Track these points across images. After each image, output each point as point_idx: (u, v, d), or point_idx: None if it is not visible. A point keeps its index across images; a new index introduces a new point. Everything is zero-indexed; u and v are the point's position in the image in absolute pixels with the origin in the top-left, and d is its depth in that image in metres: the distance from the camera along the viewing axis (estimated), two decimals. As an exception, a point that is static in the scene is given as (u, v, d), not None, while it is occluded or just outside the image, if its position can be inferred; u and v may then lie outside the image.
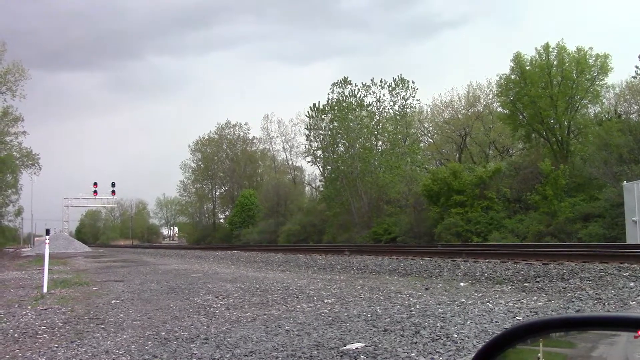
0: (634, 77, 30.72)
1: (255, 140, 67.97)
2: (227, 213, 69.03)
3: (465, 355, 4.38)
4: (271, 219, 51.01)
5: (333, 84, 41.80)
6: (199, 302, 8.37)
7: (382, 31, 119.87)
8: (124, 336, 5.76)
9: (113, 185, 60.71)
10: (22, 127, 42.60)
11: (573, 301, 6.96)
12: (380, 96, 41.17)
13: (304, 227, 44.19)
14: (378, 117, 41.43)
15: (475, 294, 8.16)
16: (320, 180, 52.71)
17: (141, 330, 6.06)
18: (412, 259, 14.78)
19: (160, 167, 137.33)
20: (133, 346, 5.22)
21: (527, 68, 29.76)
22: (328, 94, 42.49)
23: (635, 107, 32.48)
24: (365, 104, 41.35)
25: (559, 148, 29.71)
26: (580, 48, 28.94)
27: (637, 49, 50.00)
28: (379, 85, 41.14)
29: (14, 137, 42.72)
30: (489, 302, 7.19)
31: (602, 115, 31.35)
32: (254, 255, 23.96)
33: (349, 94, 41.23)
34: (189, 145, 70.87)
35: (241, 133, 68.70)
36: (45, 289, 10.52)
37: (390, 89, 40.86)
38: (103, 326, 6.48)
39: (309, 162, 50.03)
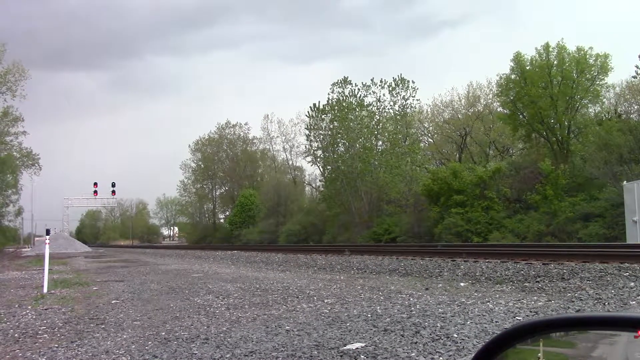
0: (634, 77, 30.71)
1: (255, 140, 68.02)
2: (227, 213, 69.05)
3: (465, 355, 4.38)
4: (271, 219, 51.02)
5: (333, 84, 41.86)
6: (199, 302, 8.37)
7: (382, 31, 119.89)
8: (124, 336, 5.76)
9: (113, 185, 60.70)
10: (22, 127, 42.69)
11: (573, 301, 6.96)
12: (380, 96, 41.23)
13: (304, 227, 44.20)
14: (378, 117, 41.44)
15: (476, 293, 8.16)
16: (320, 180, 52.75)
17: (141, 330, 6.06)
18: (412, 259, 14.78)
19: (160, 167, 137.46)
20: (133, 346, 5.22)
21: (527, 68, 29.75)
22: (328, 94, 42.55)
23: (636, 107, 32.47)
24: (365, 103, 41.37)
25: (559, 148, 29.70)
26: (580, 48, 28.95)
27: (637, 48, 49.98)
28: (379, 85, 41.18)
29: (14, 137, 42.80)
30: (489, 302, 7.19)
31: (602, 115, 31.33)
32: (254, 255, 23.96)
33: (349, 93, 41.27)
34: (189, 145, 70.93)
35: (241, 133, 68.76)
36: (45, 289, 10.53)
37: (390, 88, 40.88)
38: (103, 326, 6.48)
39: (309, 162, 50.10)
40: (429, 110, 45.13)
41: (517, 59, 30.10)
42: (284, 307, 7.48)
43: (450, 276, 10.94)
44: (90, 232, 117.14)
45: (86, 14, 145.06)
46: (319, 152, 45.11)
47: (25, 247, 54.64)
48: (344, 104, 40.91)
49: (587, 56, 28.71)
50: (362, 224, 37.89)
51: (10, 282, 13.98)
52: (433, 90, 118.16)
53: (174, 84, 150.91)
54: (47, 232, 13.10)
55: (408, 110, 41.18)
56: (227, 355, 4.66)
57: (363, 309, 6.91)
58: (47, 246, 11.91)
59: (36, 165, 45.25)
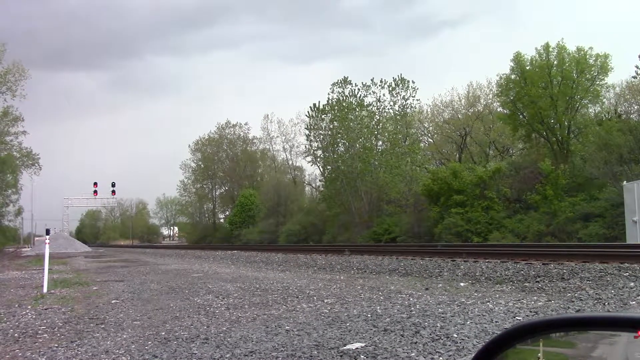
0: (634, 77, 30.71)
1: (255, 140, 68.03)
2: (227, 213, 69.05)
3: (465, 355, 4.38)
4: (271, 219, 51.02)
5: (333, 84, 41.86)
6: (199, 302, 8.37)
7: (382, 31, 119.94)
8: (124, 336, 5.76)
9: (113, 185, 60.73)
10: (22, 127, 42.71)
11: (573, 301, 6.96)
12: (380, 96, 41.23)
13: (304, 227, 44.19)
14: (378, 117, 41.44)
15: (475, 293, 8.16)
16: (320, 180, 52.74)
17: (141, 330, 6.06)
18: (412, 259, 14.78)
19: (160, 167, 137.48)
20: (133, 346, 5.22)
21: (527, 68, 29.75)
22: (328, 94, 42.56)
23: (636, 107, 32.47)
24: (365, 103, 41.37)
25: (559, 148, 29.70)
26: (580, 48, 28.94)
27: (637, 48, 49.99)
28: (379, 85, 41.17)
29: (14, 137, 42.82)
30: (489, 302, 7.19)
31: (602, 115, 31.33)
32: (254, 255, 23.96)
33: (349, 93, 41.26)
34: (189, 145, 70.94)
35: (241, 133, 68.77)
36: (45, 289, 10.52)
37: (390, 88, 40.88)
38: (103, 326, 6.48)
39: (309, 162, 50.10)
40: (429, 110, 45.18)
41: (517, 59, 30.10)
42: (284, 307, 7.48)
43: (450, 276, 10.93)
44: (90, 232, 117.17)
45: (86, 14, 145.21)
46: (319, 152, 45.14)
47: (25, 247, 54.65)
48: (344, 104, 40.91)
49: (587, 56, 28.71)
50: (362, 224, 37.89)
51: (10, 281, 13.98)
52: (433, 90, 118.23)
53: (174, 84, 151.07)
54: (47, 232, 13.11)
55: (408, 110, 41.19)
56: (227, 355, 4.66)
57: (363, 309, 6.91)
58: (47, 246, 11.91)
59: (36, 165, 45.29)
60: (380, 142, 41.57)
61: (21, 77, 39.51)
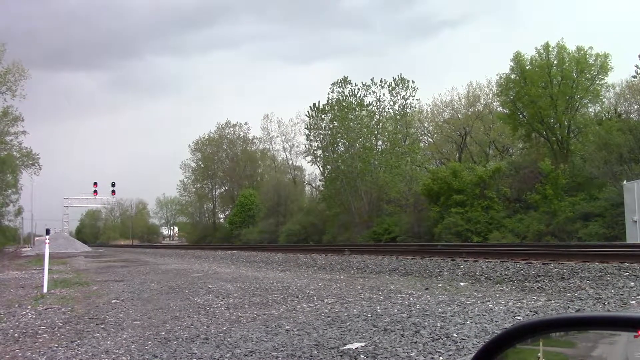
0: (634, 77, 30.72)
1: (255, 140, 68.05)
2: (227, 213, 69.05)
3: (465, 354, 4.38)
4: (271, 219, 51.02)
5: (333, 84, 41.85)
6: (199, 301, 8.36)
7: (382, 31, 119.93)
8: (124, 336, 5.76)
9: (113, 185, 60.69)
10: (22, 126, 42.74)
11: (573, 301, 6.96)
12: (380, 96, 41.23)
13: (304, 226, 44.19)
14: (378, 117, 41.44)
15: (475, 293, 8.16)
16: (320, 180, 52.75)
17: (141, 330, 6.06)
18: (412, 259, 14.78)
19: (160, 167, 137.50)
20: (133, 346, 5.22)
21: (527, 67, 29.75)
22: (328, 94, 42.56)
23: (635, 107, 32.48)
24: (365, 103, 41.37)
25: (559, 147, 29.70)
26: (580, 47, 28.95)
27: (637, 48, 49.98)
28: (379, 85, 41.17)
29: (14, 137, 42.85)
30: (489, 301, 7.19)
31: (602, 114, 31.34)
32: (254, 255, 23.96)
33: (349, 93, 41.26)
34: (189, 145, 70.96)
35: (241, 133, 68.78)
36: (45, 289, 10.52)
37: (390, 88, 40.87)
38: (103, 326, 6.48)
39: (309, 161, 50.12)
40: (428, 110, 45.20)
41: (517, 58, 30.10)
42: (284, 306, 7.48)
43: (450, 276, 10.94)
44: (90, 231, 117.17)
45: (86, 14, 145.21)
46: (319, 152, 45.14)
47: (25, 247, 54.65)
48: (343, 104, 40.90)
49: (587, 56, 28.71)
50: (362, 224, 37.90)
51: (10, 281, 13.98)
52: (433, 90, 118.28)
53: (174, 84, 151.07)
54: (47, 231, 13.11)
55: (408, 110, 41.19)
56: (227, 355, 4.66)
57: (363, 309, 6.91)
58: (47, 246, 11.91)
59: (36, 165, 45.33)
60: (380, 142, 41.58)
61: (21, 77, 39.57)
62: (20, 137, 42.95)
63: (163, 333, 5.80)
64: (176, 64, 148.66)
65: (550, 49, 29.32)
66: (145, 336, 5.68)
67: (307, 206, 51.57)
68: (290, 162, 63.29)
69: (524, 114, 30.58)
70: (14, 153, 43.55)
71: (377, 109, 41.38)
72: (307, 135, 44.90)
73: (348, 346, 4.78)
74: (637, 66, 29.34)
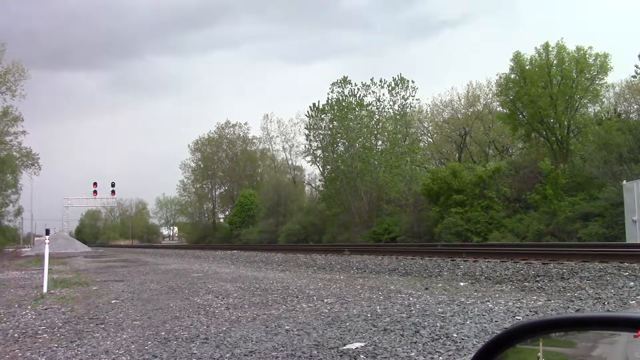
0: (634, 77, 30.74)
1: (255, 140, 68.05)
2: (227, 213, 69.05)
3: (465, 354, 4.38)
4: (271, 219, 51.01)
5: (333, 84, 41.85)
6: (199, 301, 8.36)
7: (382, 31, 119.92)
8: (124, 336, 5.76)
9: (113, 185, 60.71)
10: (22, 126, 42.72)
11: (573, 301, 6.96)
12: (380, 96, 41.22)
13: (304, 226, 44.19)
14: (378, 117, 41.44)
15: (475, 293, 8.16)
16: (320, 180, 52.74)
17: (141, 330, 6.06)
18: (412, 259, 14.78)
19: (160, 167, 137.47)
20: (133, 346, 5.22)
21: (527, 67, 29.75)
22: (328, 94, 42.55)
23: (635, 107, 32.49)
24: (365, 103, 41.37)
25: (559, 147, 29.70)
26: (580, 47, 28.94)
27: (637, 48, 49.95)
28: (379, 85, 41.18)
29: (14, 136, 42.83)
30: (488, 301, 7.19)
31: (602, 114, 31.34)
32: (254, 255, 23.96)
33: (348, 93, 41.25)
34: (189, 145, 70.93)
35: (241, 133, 68.78)
36: (45, 289, 10.52)
37: (390, 88, 40.87)
38: (103, 326, 6.47)
39: (308, 161, 50.10)
40: (428, 109, 45.20)
41: (517, 58, 30.09)
42: (284, 306, 7.48)
43: (449, 276, 10.94)
44: (90, 232, 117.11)
45: (86, 13, 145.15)
46: (319, 152, 45.12)
47: (25, 247, 54.62)
48: (343, 104, 40.90)
49: (587, 56, 28.71)
50: (362, 224, 37.90)
51: (10, 282, 13.98)
52: (433, 90, 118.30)
53: (174, 84, 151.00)
54: (47, 232, 13.11)
55: (408, 109, 41.19)
56: (227, 355, 4.66)
57: (363, 309, 6.91)
58: (46, 246, 11.90)
59: (36, 165, 45.32)
60: (380, 142, 41.58)
61: (21, 77, 39.55)
62: (20, 137, 43.00)
63: (163, 333, 5.79)
64: (176, 64, 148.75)
65: (550, 49, 29.33)
66: (145, 336, 5.68)
67: (306, 206, 51.57)
68: (290, 162, 63.34)
69: (524, 113, 30.58)
70: (14, 153, 43.56)
71: (377, 109, 41.41)
72: (307, 135, 44.95)
73: (348, 346, 4.78)
74: (636, 66, 29.41)
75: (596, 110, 32.11)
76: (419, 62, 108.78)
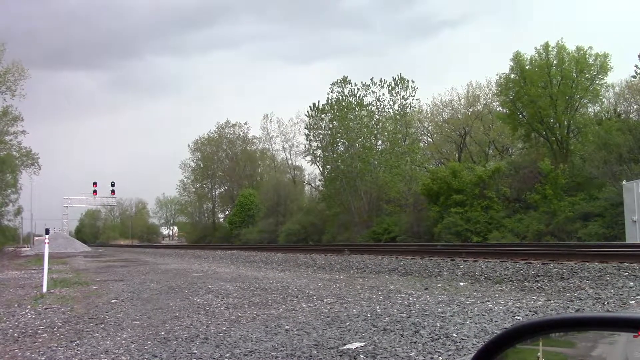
0: (634, 77, 30.74)
1: (255, 140, 68.08)
2: (227, 212, 69.07)
3: (464, 354, 4.38)
4: (271, 219, 51.02)
5: (333, 84, 41.87)
6: (199, 301, 8.36)
7: (382, 31, 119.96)
8: (124, 336, 5.75)
9: (112, 184, 60.58)
10: (22, 126, 42.73)
11: (572, 300, 6.96)
12: (379, 95, 41.26)
13: (304, 226, 44.20)
14: (378, 117, 41.46)
15: (475, 293, 8.16)
16: (320, 180, 52.74)
17: (141, 330, 6.06)
18: (412, 259, 14.78)
19: (160, 167, 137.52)
20: (133, 346, 5.21)
21: (527, 67, 29.75)
22: (328, 94, 42.58)
23: (635, 107, 32.51)
24: (364, 103, 41.38)
25: (559, 147, 29.71)
26: (580, 47, 28.95)
27: (637, 48, 49.95)
28: (379, 85, 41.19)
29: (14, 136, 42.84)
30: (488, 301, 7.19)
31: (602, 114, 31.35)
32: (254, 254, 23.96)
33: (348, 93, 41.27)
34: (189, 145, 70.96)
35: (241, 132, 68.80)
36: (44, 289, 10.51)
37: (389, 88, 40.88)
38: (103, 326, 6.47)
39: (308, 161, 50.11)
40: (428, 109, 45.20)
41: (517, 58, 30.10)
42: (284, 306, 7.48)
43: (449, 276, 10.94)
44: (90, 231, 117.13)
45: (86, 13, 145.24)
46: (319, 152, 45.13)
47: (24, 247, 54.65)
48: (343, 104, 40.91)
49: (587, 56, 28.71)
50: (362, 224, 37.90)
51: (10, 281, 13.98)
52: (433, 90, 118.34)
53: (174, 84, 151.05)
54: (47, 231, 13.09)
55: (407, 109, 41.20)
56: (227, 355, 4.66)
57: (362, 309, 6.91)
58: (46, 246, 11.90)
59: (35, 164, 45.33)
60: (379, 142, 41.60)
61: (21, 76, 39.56)
62: (19, 137, 43.02)
63: (163, 333, 5.79)
64: (176, 64, 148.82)
65: (550, 48, 29.33)
66: (145, 336, 5.68)
67: (306, 206, 51.59)
68: (289, 162, 63.36)
69: (524, 113, 30.59)
70: (14, 153, 43.56)
71: (377, 108, 41.44)
72: (307, 135, 44.97)
73: (347, 346, 4.78)
74: (636, 66, 29.42)
75: (596, 110, 32.14)
76: (419, 62, 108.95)
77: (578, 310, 6.37)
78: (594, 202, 23.39)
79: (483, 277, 10.21)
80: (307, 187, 61.52)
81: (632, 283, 8.03)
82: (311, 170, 63.47)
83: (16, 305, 8.66)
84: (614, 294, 7.23)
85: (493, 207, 27.45)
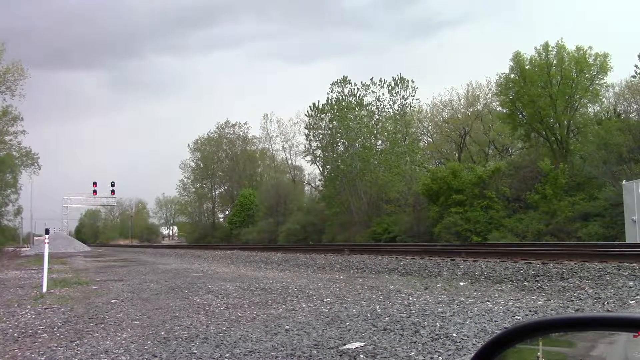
0: (634, 77, 30.75)
1: (254, 140, 68.10)
2: (227, 212, 69.11)
3: (464, 354, 4.38)
4: (271, 219, 51.04)
5: (333, 83, 41.90)
6: (199, 301, 8.36)
7: (383, 30, 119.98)
8: (124, 336, 5.75)
9: (112, 184, 60.49)
10: (22, 126, 42.72)
11: (572, 300, 6.97)
12: (379, 95, 41.27)
13: (304, 226, 44.22)
14: (377, 117, 41.47)
15: (475, 293, 8.16)
16: (319, 180, 52.79)
17: (140, 330, 6.05)
18: (412, 259, 14.78)
19: (160, 167, 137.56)
20: (132, 346, 5.21)
21: (527, 67, 29.77)
22: (328, 94, 42.60)
23: (635, 107, 32.52)
24: (364, 103, 41.38)
25: (559, 147, 29.72)
26: (580, 47, 28.97)
27: (637, 48, 49.96)
28: (379, 85, 41.20)
29: (13, 136, 42.84)
30: (488, 301, 7.19)
31: (602, 114, 31.36)
32: (254, 254, 23.96)
33: (348, 93, 41.28)
34: (189, 145, 70.99)
35: (241, 132, 68.83)
36: (44, 289, 10.51)
37: (389, 88, 40.90)
38: (102, 326, 6.47)
39: (308, 161, 50.13)
40: (428, 109, 45.23)
41: (517, 58, 30.11)
42: (283, 306, 7.48)
43: (449, 276, 10.94)
44: (90, 231, 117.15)
45: (86, 13, 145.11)
46: (319, 152, 45.17)
47: (24, 247, 54.66)
48: (343, 104, 40.92)
49: (587, 56, 28.73)
50: (362, 224, 37.90)
51: (10, 281, 13.97)
52: (433, 89, 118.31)
53: (174, 83, 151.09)
54: (47, 231, 13.10)
55: (407, 109, 41.22)
56: (227, 355, 4.66)
57: (362, 309, 6.91)
58: (46, 245, 11.89)
59: (35, 164, 45.39)
60: (379, 142, 41.62)
61: (20, 76, 39.55)
62: (19, 137, 43.02)
63: (162, 333, 5.79)
64: (176, 63, 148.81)
65: (550, 48, 29.36)
66: (145, 336, 5.67)
67: (306, 206, 51.59)
68: (289, 162, 63.39)
69: (524, 113, 30.60)
70: (13, 152, 43.59)
71: (377, 108, 41.45)
72: (307, 135, 44.98)
73: (347, 346, 4.78)
74: (636, 66, 29.42)
75: (596, 110, 32.15)
76: (419, 62, 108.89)
77: (578, 310, 6.37)
78: (593, 202, 23.41)
79: (483, 277, 10.21)
80: (307, 187, 61.61)
81: (631, 283, 8.03)
82: (311, 170, 63.57)
83: (16, 305, 8.65)
84: (613, 294, 7.23)
85: (493, 207, 27.46)
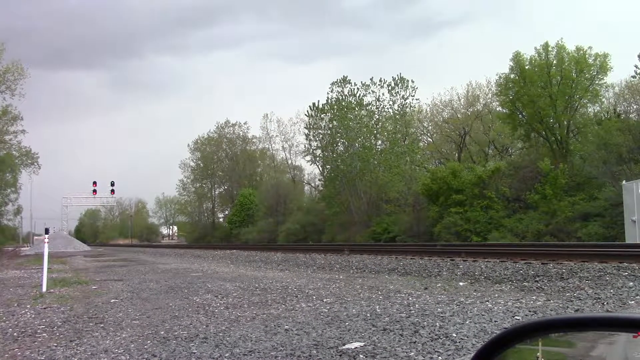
0: (634, 77, 30.75)
1: (254, 140, 68.11)
2: (227, 212, 69.12)
3: (464, 354, 4.38)
4: (270, 218, 51.04)
5: (332, 83, 41.92)
6: (198, 301, 8.36)
7: (383, 30, 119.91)
8: (123, 335, 5.75)
9: (112, 184, 60.48)
10: (22, 125, 42.70)
11: (572, 301, 6.97)
12: (379, 95, 41.28)
13: (304, 226, 44.23)
14: (377, 117, 41.48)
15: (475, 293, 8.16)
16: (319, 180, 52.79)
17: (140, 330, 6.05)
18: (412, 259, 14.78)
19: (160, 167, 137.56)
20: (132, 345, 5.21)
21: (527, 67, 29.77)
22: (327, 93, 42.62)
23: (635, 107, 32.52)
24: (364, 103, 41.39)
25: (559, 147, 29.72)
26: (580, 47, 28.98)
27: (637, 48, 49.95)
28: (379, 85, 41.21)
29: (13, 135, 42.81)
30: (488, 301, 7.19)
31: (602, 114, 31.36)
32: (253, 254, 23.95)
33: (348, 93, 41.29)
34: (189, 145, 70.99)
35: (241, 132, 68.84)
36: (44, 288, 10.51)
37: (389, 88, 40.91)
38: (102, 325, 6.47)
39: (308, 161, 50.14)
40: (428, 109, 45.23)
41: (517, 58, 30.12)
42: (283, 306, 7.48)
43: (449, 276, 10.94)
44: (90, 231, 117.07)
45: (86, 13, 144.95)
46: (318, 152, 45.17)
47: (24, 246, 54.65)
48: (343, 104, 40.93)
49: (587, 56, 28.74)
50: (361, 224, 37.91)
51: (9, 281, 13.97)
52: (433, 89, 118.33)
53: (174, 83, 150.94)
54: (46, 231, 13.07)
55: (407, 109, 41.23)
56: (226, 355, 4.66)
57: (362, 308, 6.91)
58: (46, 245, 11.89)
59: (35, 164, 45.38)
60: (379, 142, 41.63)
61: (20, 76, 39.53)
62: (19, 136, 42.99)
63: (162, 332, 5.79)
64: (176, 63, 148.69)
65: (550, 48, 29.36)
66: (145, 335, 5.67)
67: (306, 206, 51.60)
68: (289, 162, 63.40)
69: (524, 113, 30.61)
70: (13, 152, 43.57)
71: (377, 108, 41.47)
72: (307, 135, 44.98)
73: (347, 346, 4.78)
74: (636, 66, 29.41)
75: (596, 110, 32.16)
76: (419, 62, 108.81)
77: (577, 310, 6.37)
78: (593, 202, 23.41)
79: (483, 277, 10.21)
80: (306, 187, 61.62)
81: (631, 283, 8.03)
82: (311, 170, 63.54)
83: (16, 305, 8.65)
84: (613, 294, 7.23)
85: (493, 207, 27.47)
